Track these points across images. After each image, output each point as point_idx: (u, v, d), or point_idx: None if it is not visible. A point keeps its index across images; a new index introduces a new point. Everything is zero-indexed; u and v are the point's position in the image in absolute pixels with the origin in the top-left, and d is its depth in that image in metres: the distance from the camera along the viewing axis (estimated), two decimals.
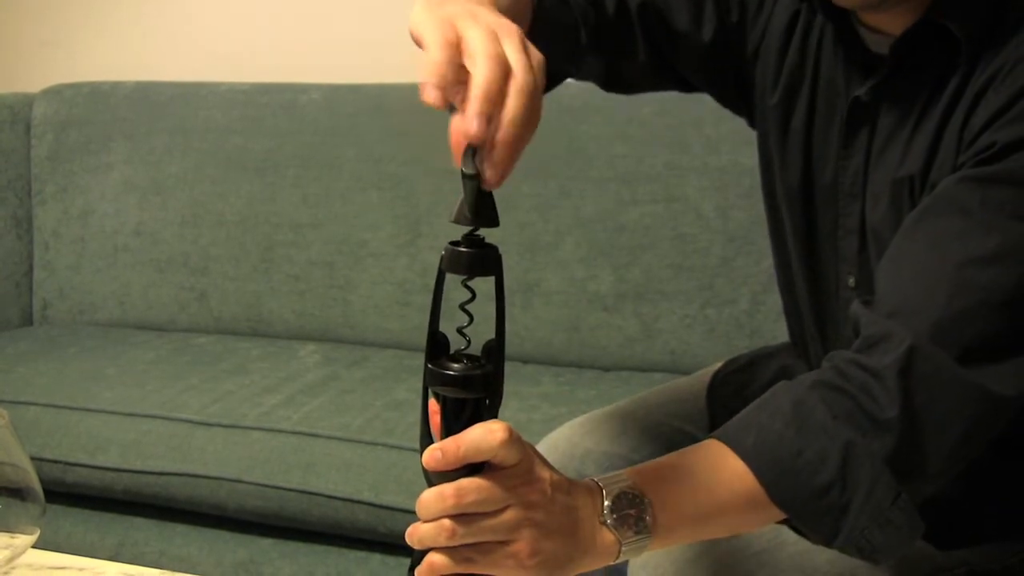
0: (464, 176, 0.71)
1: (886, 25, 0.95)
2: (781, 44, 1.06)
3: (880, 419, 0.80)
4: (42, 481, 0.89)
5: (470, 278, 0.74)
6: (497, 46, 0.71)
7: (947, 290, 0.82)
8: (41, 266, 2.36)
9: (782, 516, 0.83)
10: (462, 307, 0.75)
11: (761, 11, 1.08)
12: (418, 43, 0.73)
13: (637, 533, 0.78)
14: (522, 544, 0.74)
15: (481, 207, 0.71)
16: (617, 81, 1.15)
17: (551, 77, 0.87)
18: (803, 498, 0.81)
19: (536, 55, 0.73)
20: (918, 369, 0.80)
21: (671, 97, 1.23)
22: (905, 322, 0.82)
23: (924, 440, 0.81)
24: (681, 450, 0.84)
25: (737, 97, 1.15)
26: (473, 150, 0.71)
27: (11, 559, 0.87)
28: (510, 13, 0.82)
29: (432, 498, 0.73)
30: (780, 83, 1.07)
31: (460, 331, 0.76)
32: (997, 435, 0.85)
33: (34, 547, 0.89)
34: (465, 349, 0.76)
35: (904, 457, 0.80)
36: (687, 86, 1.17)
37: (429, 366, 0.75)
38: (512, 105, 0.70)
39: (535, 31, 0.94)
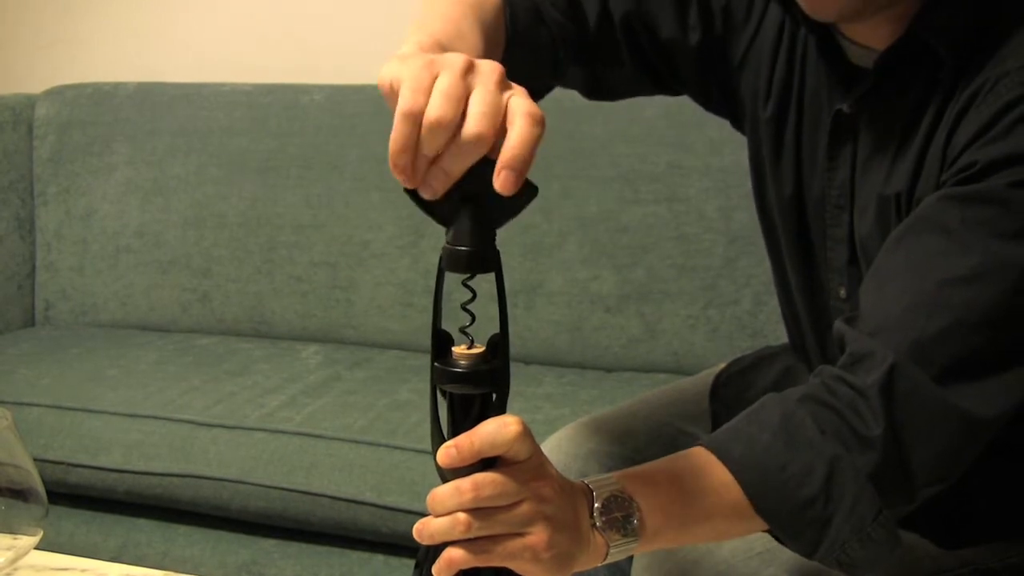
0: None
1: (869, 39, 0.95)
2: (770, 57, 1.06)
3: (865, 436, 0.81)
4: (45, 482, 0.89)
5: (471, 277, 0.74)
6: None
7: (926, 309, 0.83)
8: (43, 267, 2.35)
9: (767, 526, 0.83)
10: (463, 307, 0.75)
11: (748, 20, 1.08)
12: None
13: (624, 536, 0.78)
14: (537, 537, 0.73)
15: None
16: (600, 89, 1.14)
17: (534, 95, 0.87)
18: (787, 510, 0.81)
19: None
20: (899, 388, 0.81)
21: (674, 98, 1.23)
22: (887, 341, 0.83)
23: (906, 458, 0.82)
24: (671, 456, 0.85)
25: (722, 102, 1.15)
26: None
27: (14, 560, 0.87)
28: (486, 45, 0.83)
29: (448, 493, 0.73)
30: (771, 96, 1.06)
31: (463, 331, 0.75)
32: (997, 435, 0.85)
33: (37, 548, 0.89)
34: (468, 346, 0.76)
35: (887, 474, 0.81)
36: (671, 91, 1.16)
37: (436, 364, 0.75)
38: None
39: (511, 55, 0.94)
